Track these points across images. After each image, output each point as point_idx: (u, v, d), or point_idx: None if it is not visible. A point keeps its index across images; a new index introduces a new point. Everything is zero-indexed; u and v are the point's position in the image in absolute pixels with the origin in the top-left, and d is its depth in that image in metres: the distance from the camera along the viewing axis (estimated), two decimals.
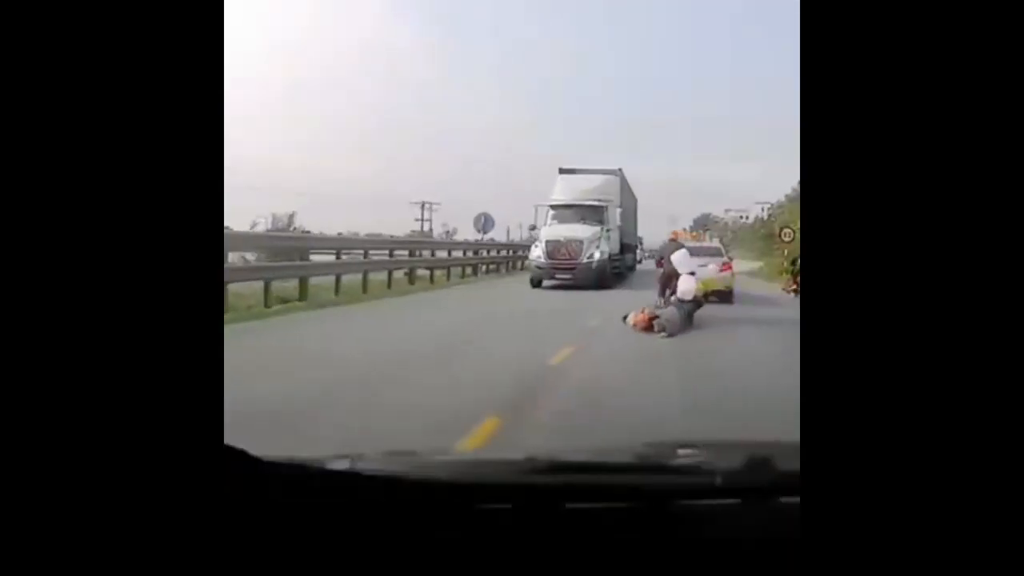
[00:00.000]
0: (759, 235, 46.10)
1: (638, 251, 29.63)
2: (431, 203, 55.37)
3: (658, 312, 10.01)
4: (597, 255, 18.91)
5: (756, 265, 33.91)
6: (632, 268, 25.44)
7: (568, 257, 18.69)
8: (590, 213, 20.08)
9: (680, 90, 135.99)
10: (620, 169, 23.58)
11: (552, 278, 18.59)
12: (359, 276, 16.00)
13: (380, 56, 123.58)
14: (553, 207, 20.84)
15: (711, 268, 14.94)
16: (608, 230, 20.04)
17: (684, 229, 49.47)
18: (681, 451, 1.64)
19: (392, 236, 31.00)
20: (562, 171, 22.77)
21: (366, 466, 1.24)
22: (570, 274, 18.58)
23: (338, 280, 14.94)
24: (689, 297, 10.29)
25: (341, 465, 1.23)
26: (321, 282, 14.72)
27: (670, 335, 9.49)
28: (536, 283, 18.62)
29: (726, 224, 67.31)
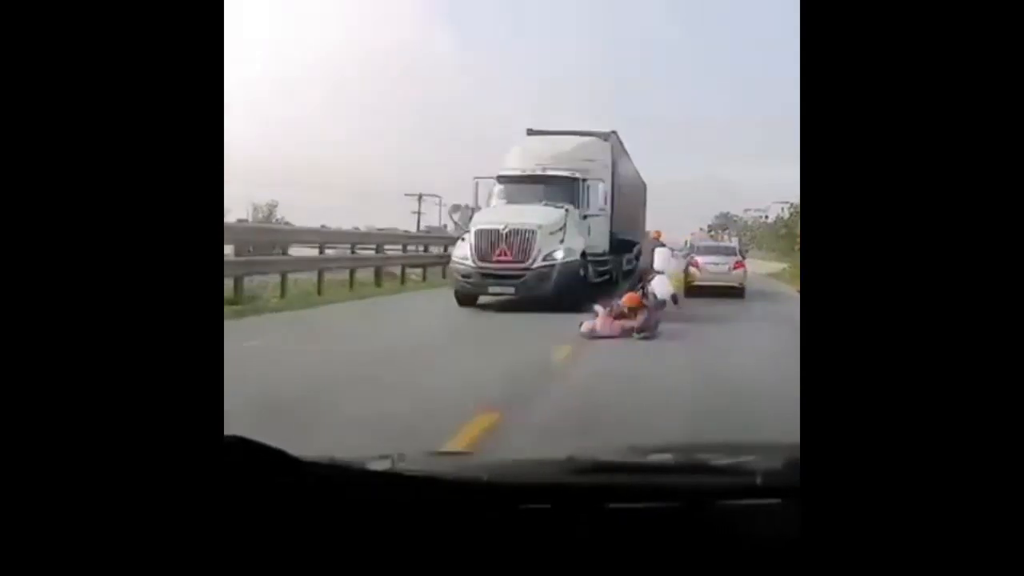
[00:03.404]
0: (779, 235, 43.66)
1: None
2: (432, 195, 52.56)
3: (647, 305, 9.39)
4: (560, 254, 11.83)
5: (780, 267, 31.59)
6: (631, 273, 15.39)
7: (509, 258, 11.77)
8: (557, 189, 12.92)
9: (703, 90, 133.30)
10: (614, 132, 15.81)
11: (485, 291, 11.95)
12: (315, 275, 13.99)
13: (408, 58, 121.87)
14: (502, 180, 13.58)
15: (725, 266, 16.30)
16: (586, 216, 13.04)
17: (701, 228, 48.36)
18: (721, 451, 1.57)
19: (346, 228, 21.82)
20: (530, 133, 15.75)
21: (407, 466, 1.24)
22: (512, 285, 11.72)
23: (284, 280, 12.90)
24: (667, 296, 9.95)
25: (382, 465, 1.22)
26: (269, 281, 12.90)
27: (649, 337, 8.81)
28: (464, 299, 12.04)
29: (746, 223, 64.77)
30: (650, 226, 21.00)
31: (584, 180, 13.38)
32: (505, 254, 11.91)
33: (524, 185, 13.36)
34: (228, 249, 11.71)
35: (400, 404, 4.90)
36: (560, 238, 12.12)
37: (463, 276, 12.12)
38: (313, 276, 14.18)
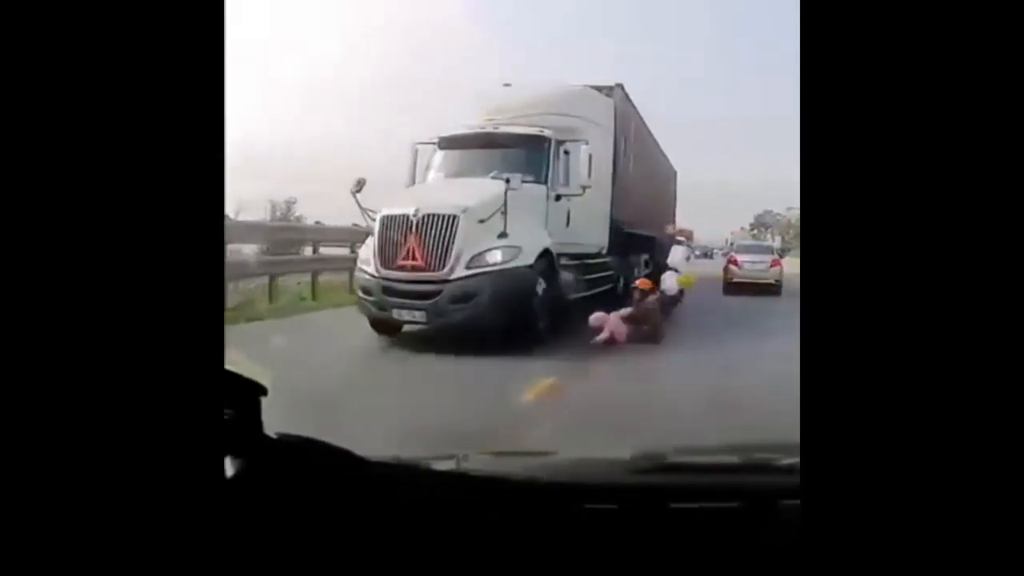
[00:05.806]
0: None
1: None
2: None
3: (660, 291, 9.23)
4: (497, 255, 7.29)
5: None
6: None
7: (419, 263, 7.30)
8: (517, 155, 8.23)
9: (748, 89, 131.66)
10: (620, 85, 10.91)
11: (390, 317, 7.51)
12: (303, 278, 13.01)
13: (442, 55, 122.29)
14: (444, 144, 8.96)
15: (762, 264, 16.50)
16: (559, 196, 8.25)
17: (742, 228, 47.30)
18: (783, 451, 1.50)
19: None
20: (507, 87, 10.27)
21: (471, 466, 1.27)
22: (421, 308, 7.24)
23: (271, 283, 11.94)
24: (673, 292, 10.00)
25: (446, 465, 1.24)
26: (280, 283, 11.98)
27: (653, 341, 8.06)
28: (377, 325, 7.80)
29: (789, 221, 62.87)
30: (687, 226, 18.86)
31: (560, 142, 8.40)
32: (414, 256, 7.33)
33: (472, 151, 8.69)
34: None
35: None
36: (499, 229, 7.35)
37: (364, 292, 7.71)
38: (329, 277, 13.38)
